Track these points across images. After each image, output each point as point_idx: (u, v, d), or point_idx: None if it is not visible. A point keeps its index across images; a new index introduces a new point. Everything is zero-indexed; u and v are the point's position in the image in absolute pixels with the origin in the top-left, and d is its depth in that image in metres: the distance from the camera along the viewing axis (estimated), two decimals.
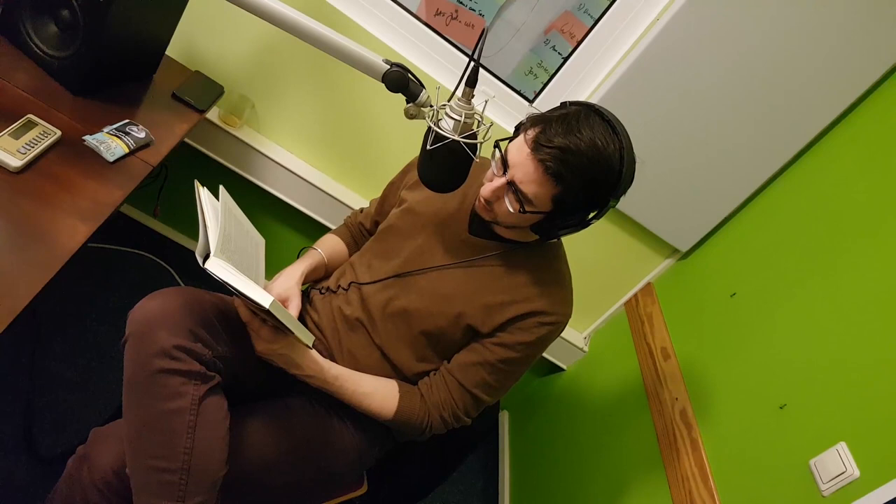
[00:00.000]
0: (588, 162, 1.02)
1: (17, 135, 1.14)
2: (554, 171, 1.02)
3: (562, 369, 2.32)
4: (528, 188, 1.05)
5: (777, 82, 1.67)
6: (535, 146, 1.03)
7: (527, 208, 1.07)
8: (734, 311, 1.68)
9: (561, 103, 1.12)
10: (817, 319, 1.44)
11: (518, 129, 1.12)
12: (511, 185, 1.08)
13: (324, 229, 1.97)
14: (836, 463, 1.19)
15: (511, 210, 1.09)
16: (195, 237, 2.19)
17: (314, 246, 1.45)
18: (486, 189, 1.12)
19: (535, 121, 1.08)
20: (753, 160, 1.80)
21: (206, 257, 1.02)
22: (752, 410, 1.45)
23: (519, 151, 1.06)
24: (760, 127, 1.74)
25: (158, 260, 2.19)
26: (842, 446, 1.20)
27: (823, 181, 1.67)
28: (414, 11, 1.81)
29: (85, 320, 1.89)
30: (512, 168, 1.07)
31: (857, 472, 1.15)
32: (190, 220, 2.18)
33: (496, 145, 1.13)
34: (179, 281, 2.19)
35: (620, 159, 1.05)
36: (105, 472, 1.06)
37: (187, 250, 2.20)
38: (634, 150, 1.08)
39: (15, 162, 1.09)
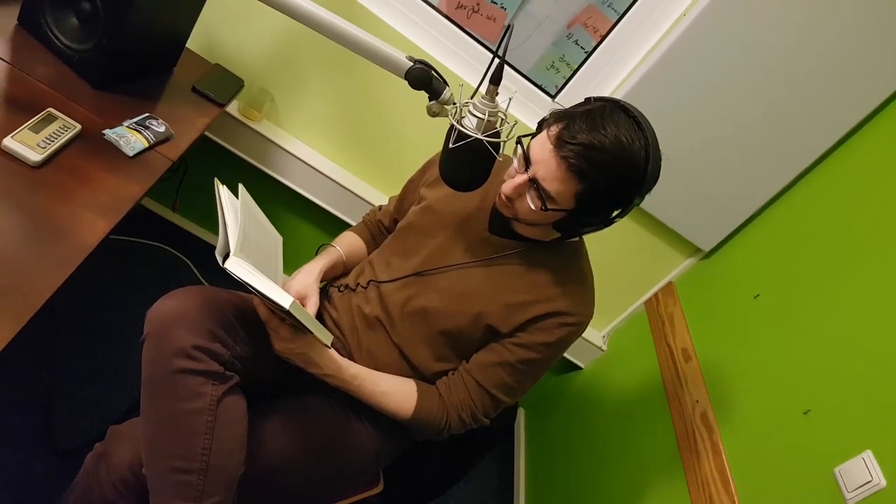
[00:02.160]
0: (612, 159, 1.00)
1: (37, 129, 1.13)
2: (577, 169, 1.00)
3: (580, 368, 2.30)
4: (551, 185, 1.03)
5: (804, 81, 1.63)
6: (559, 143, 1.01)
7: (549, 206, 1.05)
8: (758, 312, 1.65)
9: (585, 99, 1.09)
10: (843, 323, 1.40)
11: (541, 125, 1.10)
12: (533, 182, 1.06)
13: (342, 225, 1.96)
14: (861, 471, 1.17)
15: (532, 207, 1.07)
16: (214, 230, 2.20)
17: (333, 243, 1.44)
18: (508, 186, 1.10)
19: (558, 117, 1.05)
20: (779, 159, 1.76)
21: (226, 256, 1.01)
22: (775, 415, 1.43)
23: (542, 148, 1.04)
24: (786, 125, 1.70)
25: (177, 253, 2.20)
26: (868, 454, 1.18)
27: (850, 182, 1.63)
28: (435, 5, 1.79)
29: (104, 313, 1.90)
30: (534, 165, 1.05)
31: (883, 482, 1.13)
32: (209, 214, 2.18)
33: (518, 141, 1.11)
34: (198, 274, 2.19)
35: (646, 156, 1.02)
36: (123, 470, 1.06)
37: (206, 244, 2.20)
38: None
39: (35, 156, 1.09)
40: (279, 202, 2.04)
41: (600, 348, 2.20)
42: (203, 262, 2.21)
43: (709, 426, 1.56)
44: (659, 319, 2.01)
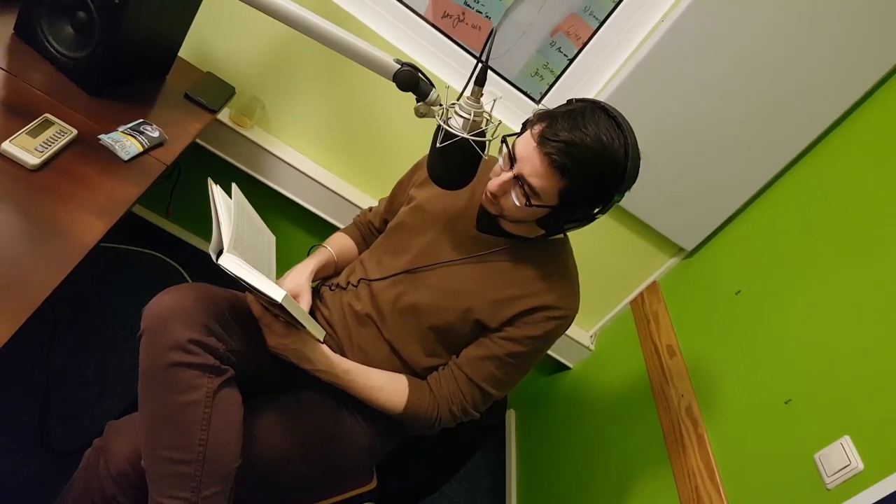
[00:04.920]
0: (593, 156, 1.04)
1: (34, 133, 1.16)
2: (559, 165, 1.04)
3: (568, 368, 2.33)
4: (535, 182, 1.07)
5: (781, 81, 1.68)
6: (542, 140, 1.05)
7: (533, 202, 1.09)
8: (739, 308, 1.70)
9: (567, 100, 1.13)
10: (821, 315, 1.44)
11: (525, 125, 1.13)
12: (518, 178, 1.09)
13: (333, 229, 1.99)
14: (840, 456, 1.20)
15: (518, 204, 1.11)
16: (206, 237, 2.23)
17: (324, 244, 1.47)
18: (494, 183, 1.14)
19: (541, 116, 1.09)
20: (758, 158, 1.81)
21: (220, 254, 1.04)
22: (757, 406, 1.46)
23: (526, 146, 1.08)
24: (765, 125, 1.75)
25: (169, 260, 2.21)
26: (846, 440, 1.21)
27: (827, 179, 1.68)
28: (422, 14, 1.84)
29: (97, 318, 1.92)
30: (519, 162, 1.09)
31: (860, 465, 1.16)
32: (201, 220, 2.21)
33: (503, 140, 1.15)
34: (189, 279, 2.21)
35: (625, 155, 1.06)
36: (121, 463, 1.08)
37: (198, 250, 2.22)
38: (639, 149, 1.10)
39: (33, 160, 1.12)
40: (270, 207, 2.06)
41: (588, 348, 2.23)
42: (195, 268, 2.23)
43: (694, 419, 1.59)
44: (644, 318, 2.05)
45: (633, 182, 1.11)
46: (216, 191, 1.14)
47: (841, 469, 1.19)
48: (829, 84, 1.67)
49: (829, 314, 1.43)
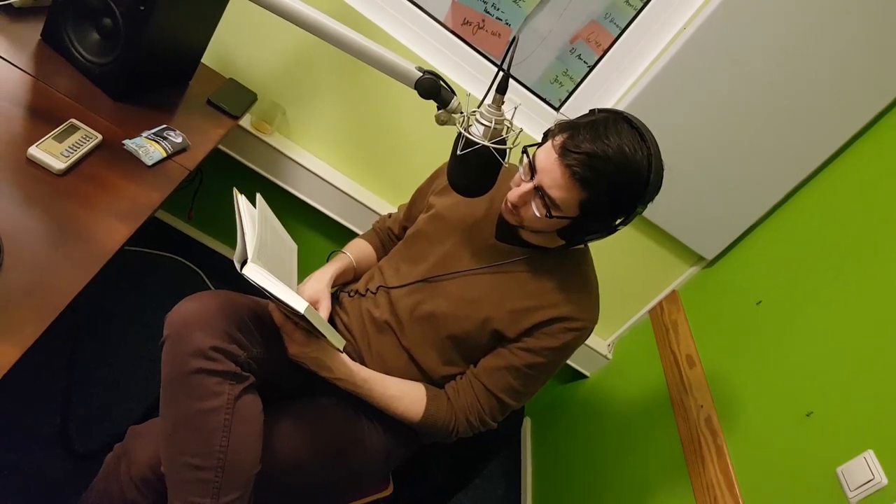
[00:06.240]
0: (615, 168, 1.03)
1: (60, 138, 1.18)
2: (581, 177, 1.03)
3: (585, 376, 2.32)
4: (555, 193, 1.06)
5: (803, 90, 1.66)
6: (563, 152, 1.05)
7: (553, 213, 1.08)
8: (760, 318, 1.68)
9: (590, 110, 1.13)
10: (844, 327, 1.43)
11: (546, 135, 1.13)
12: (538, 189, 1.09)
13: (352, 235, 2.00)
14: (863, 470, 1.19)
15: (538, 215, 1.10)
16: (226, 242, 2.24)
17: (343, 250, 1.47)
18: (514, 193, 1.13)
19: (563, 127, 1.09)
20: (780, 168, 1.80)
21: (244, 263, 1.04)
22: (778, 418, 1.45)
23: (547, 157, 1.07)
24: (787, 135, 1.73)
25: (190, 264, 2.23)
26: (869, 454, 1.20)
27: (850, 188, 1.66)
28: (442, 21, 1.84)
29: (118, 321, 1.94)
30: (539, 173, 1.08)
31: (884, 480, 1.15)
32: (221, 225, 2.22)
33: (524, 151, 1.14)
34: (209, 283, 2.23)
35: (648, 166, 1.05)
36: (142, 468, 1.09)
37: (218, 254, 2.24)
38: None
39: (59, 165, 1.13)
40: (290, 212, 2.07)
41: (605, 357, 2.22)
42: (215, 272, 2.24)
43: (713, 430, 1.58)
44: (663, 327, 2.03)
45: (657, 193, 1.10)
46: (241, 200, 1.15)
47: (864, 483, 1.17)
48: (853, 92, 1.65)
49: (851, 325, 1.41)
